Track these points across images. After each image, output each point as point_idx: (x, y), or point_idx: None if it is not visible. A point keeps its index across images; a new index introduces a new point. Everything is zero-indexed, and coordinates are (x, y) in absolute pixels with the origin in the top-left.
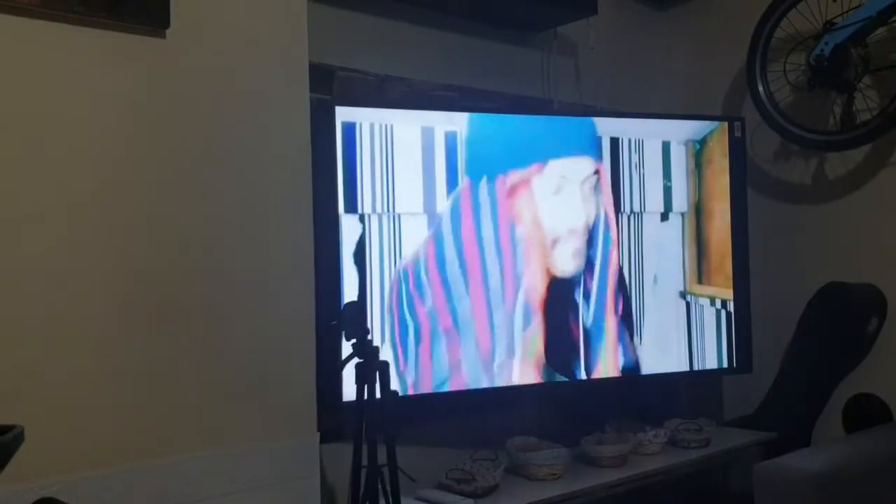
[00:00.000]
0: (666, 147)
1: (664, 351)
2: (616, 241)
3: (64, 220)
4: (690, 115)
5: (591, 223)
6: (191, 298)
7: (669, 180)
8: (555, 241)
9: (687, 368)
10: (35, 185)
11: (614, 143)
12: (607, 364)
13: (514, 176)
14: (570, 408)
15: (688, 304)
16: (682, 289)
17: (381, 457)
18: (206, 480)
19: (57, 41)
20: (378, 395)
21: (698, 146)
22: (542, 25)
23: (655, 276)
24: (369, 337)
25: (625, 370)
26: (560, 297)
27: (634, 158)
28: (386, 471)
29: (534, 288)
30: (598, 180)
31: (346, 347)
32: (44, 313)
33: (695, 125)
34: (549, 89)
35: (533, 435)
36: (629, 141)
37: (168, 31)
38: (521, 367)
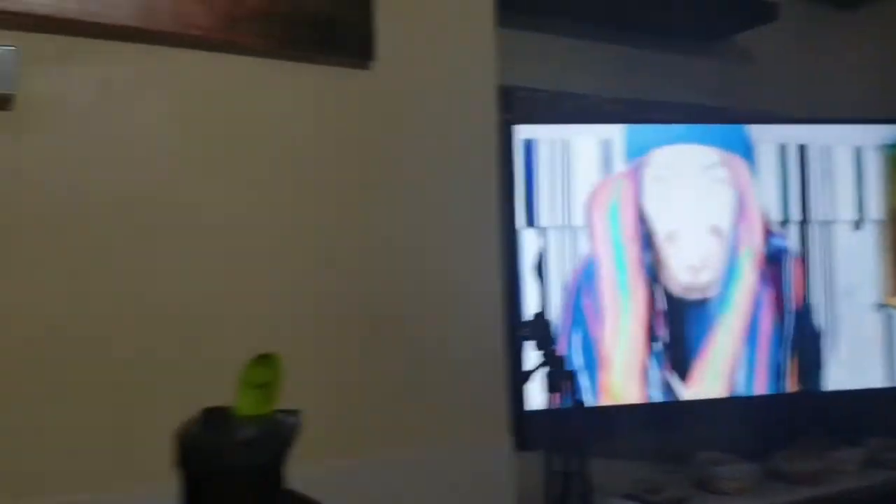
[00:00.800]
0: (858, 152)
1: (860, 366)
2: (799, 252)
3: (289, 254)
4: (885, 119)
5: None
6: (388, 308)
7: (863, 187)
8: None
9: (887, 384)
10: (261, 214)
11: (801, 149)
12: (793, 378)
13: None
14: (758, 423)
15: (886, 317)
16: (878, 300)
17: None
18: (399, 484)
19: (273, 77)
20: (568, 404)
21: (895, 150)
22: (720, 34)
23: (848, 288)
24: (555, 346)
25: (815, 385)
26: (746, 310)
27: (824, 165)
28: (577, 480)
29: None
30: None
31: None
32: (251, 313)
33: (890, 129)
34: (731, 98)
35: (718, 450)
36: (817, 147)
37: (371, 63)
38: (707, 382)
